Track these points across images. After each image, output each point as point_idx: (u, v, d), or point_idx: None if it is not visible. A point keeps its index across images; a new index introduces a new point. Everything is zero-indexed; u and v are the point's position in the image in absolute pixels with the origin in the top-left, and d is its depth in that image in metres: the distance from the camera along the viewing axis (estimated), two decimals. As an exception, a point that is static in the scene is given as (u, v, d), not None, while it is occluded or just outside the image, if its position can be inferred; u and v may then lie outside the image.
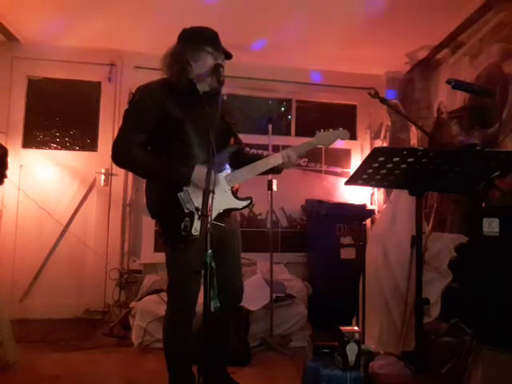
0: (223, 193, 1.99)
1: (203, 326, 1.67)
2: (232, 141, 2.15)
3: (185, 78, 1.93)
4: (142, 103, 1.94)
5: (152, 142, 2.00)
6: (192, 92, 1.96)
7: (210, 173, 1.63)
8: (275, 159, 2.06)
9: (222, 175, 2.01)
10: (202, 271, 1.58)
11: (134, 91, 2.00)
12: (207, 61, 1.94)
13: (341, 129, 2.15)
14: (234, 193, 2.04)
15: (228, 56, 2.02)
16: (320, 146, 2.18)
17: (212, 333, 1.93)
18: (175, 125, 1.92)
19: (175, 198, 1.93)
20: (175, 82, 1.93)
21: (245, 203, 2.03)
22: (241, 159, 2.10)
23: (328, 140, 2.17)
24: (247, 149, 2.25)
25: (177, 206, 1.92)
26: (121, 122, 2.00)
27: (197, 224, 1.88)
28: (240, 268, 2.22)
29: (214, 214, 1.85)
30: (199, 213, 1.76)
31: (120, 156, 1.96)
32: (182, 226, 1.91)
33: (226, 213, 2.02)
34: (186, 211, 1.92)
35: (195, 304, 2.02)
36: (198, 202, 1.89)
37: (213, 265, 1.59)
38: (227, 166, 2.04)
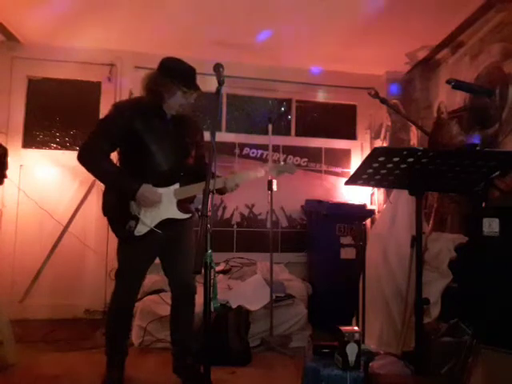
0: (169, 204, 2.27)
1: (203, 325, 1.68)
2: (191, 158, 2.42)
3: (156, 103, 2.24)
4: (112, 119, 2.27)
5: (121, 151, 2.33)
6: (160, 114, 2.28)
7: (209, 173, 1.71)
8: (217, 183, 2.25)
9: (171, 188, 2.28)
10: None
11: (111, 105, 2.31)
12: (177, 95, 2.24)
13: (291, 163, 2.56)
14: (180, 205, 2.31)
15: (198, 89, 2.29)
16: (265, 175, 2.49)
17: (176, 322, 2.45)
18: (140, 140, 2.21)
19: (126, 202, 2.24)
20: (147, 104, 2.25)
21: (186, 216, 2.33)
22: (197, 175, 2.32)
23: (276, 173, 2.48)
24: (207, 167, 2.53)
25: (126, 209, 2.24)
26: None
27: (140, 227, 2.23)
28: (191, 264, 2.40)
29: (157, 220, 2.24)
30: (140, 220, 2.22)
31: (85, 158, 2.26)
32: (127, 226, 2.23)
33: (171, 221, 2.29)
34: (133, 214, 2.24)
35: (135, 293, 2.43)
36: (142, 212, 2.24)
37: (213, 265, 1.60)
38: (177, 181, 2.30)
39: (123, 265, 2.34)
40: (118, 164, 2.38)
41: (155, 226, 2.24)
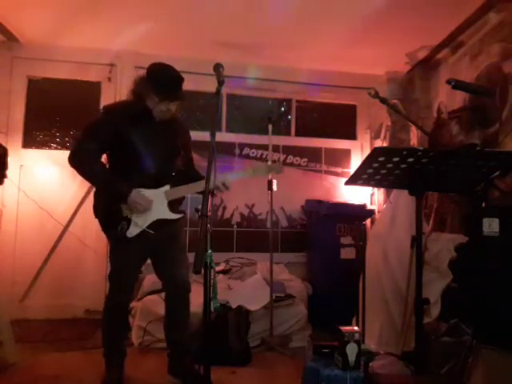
0: (160, 205, 2.31)
1: (203, 325, 1.68)
2: (180, 161, 2.45)
3: (140, 107, 2.28)
4: (100, 122, 2.33)
5: (110, 154, 2.35)
6: (148, 117, 2.30)
7: (210, 173, 1.69)
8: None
9: (162, 190, 2.32)
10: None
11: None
12: (155, 102, 2.26)
13: (278, 163, 2.63)
14: (171, 206, 2.34)
15: (175, 98, 2.31)
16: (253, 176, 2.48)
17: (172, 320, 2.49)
18: (128, 143, 2.23)
19: (118, 204, 2.26)
20: (135, 108, 2.29)
21: (177, 216, 2.37)
22: (186, 177, 2.40)
23: (263, 172, 2.51)
24: (195, 168, 2.62)
25: (117, 211, 2.26)
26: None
27: (132, 229, 2.26)
28: (183, 263, 2.46)
29: (149, 221, 2.28)
30: (132, 221, 2.25)
31: (76, 161, 2.25)
32: (119, 227, 2.25)
33: (162, 222, 2.32)
34: (125, 215, 2.26)
35: (129, 293, 2.46)
36: (134, 213, 2.26)
37: (213, 265, 1.60)
38: (168, 183, 2.33)
39: (116, 266, 2.37)
40: (107, 166, 2.40)
41: (147, 227, 2.28)
